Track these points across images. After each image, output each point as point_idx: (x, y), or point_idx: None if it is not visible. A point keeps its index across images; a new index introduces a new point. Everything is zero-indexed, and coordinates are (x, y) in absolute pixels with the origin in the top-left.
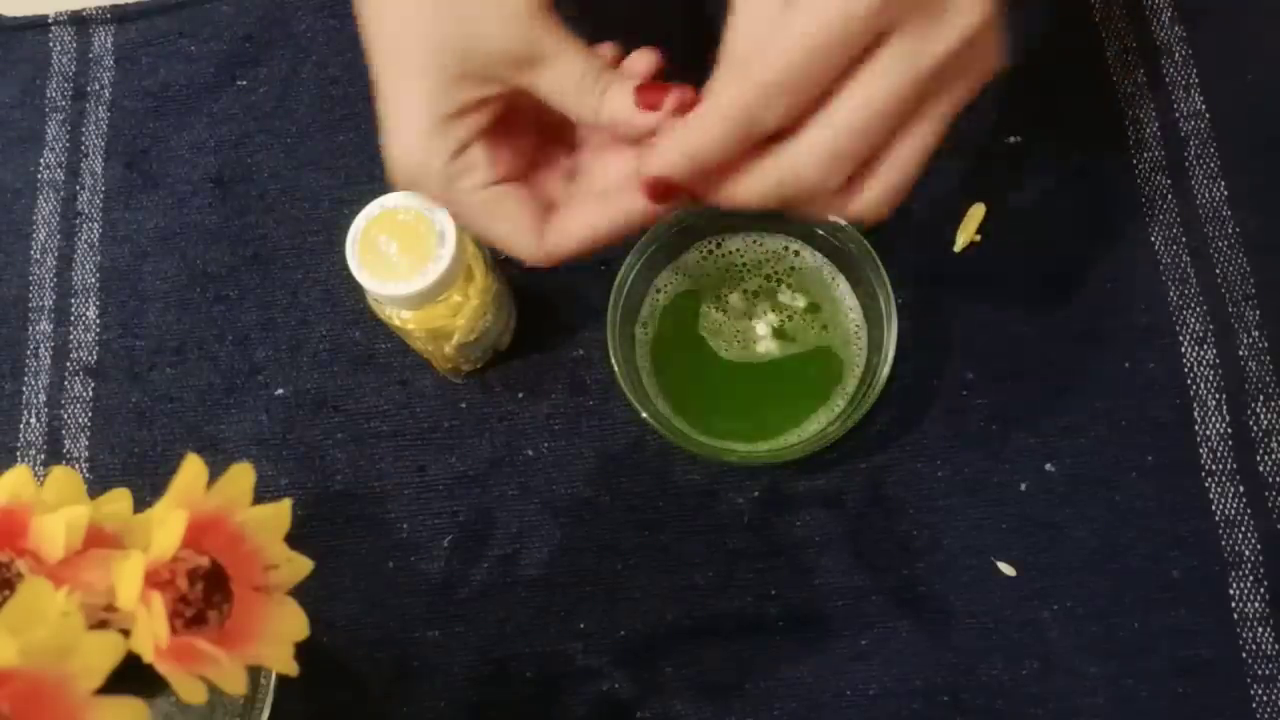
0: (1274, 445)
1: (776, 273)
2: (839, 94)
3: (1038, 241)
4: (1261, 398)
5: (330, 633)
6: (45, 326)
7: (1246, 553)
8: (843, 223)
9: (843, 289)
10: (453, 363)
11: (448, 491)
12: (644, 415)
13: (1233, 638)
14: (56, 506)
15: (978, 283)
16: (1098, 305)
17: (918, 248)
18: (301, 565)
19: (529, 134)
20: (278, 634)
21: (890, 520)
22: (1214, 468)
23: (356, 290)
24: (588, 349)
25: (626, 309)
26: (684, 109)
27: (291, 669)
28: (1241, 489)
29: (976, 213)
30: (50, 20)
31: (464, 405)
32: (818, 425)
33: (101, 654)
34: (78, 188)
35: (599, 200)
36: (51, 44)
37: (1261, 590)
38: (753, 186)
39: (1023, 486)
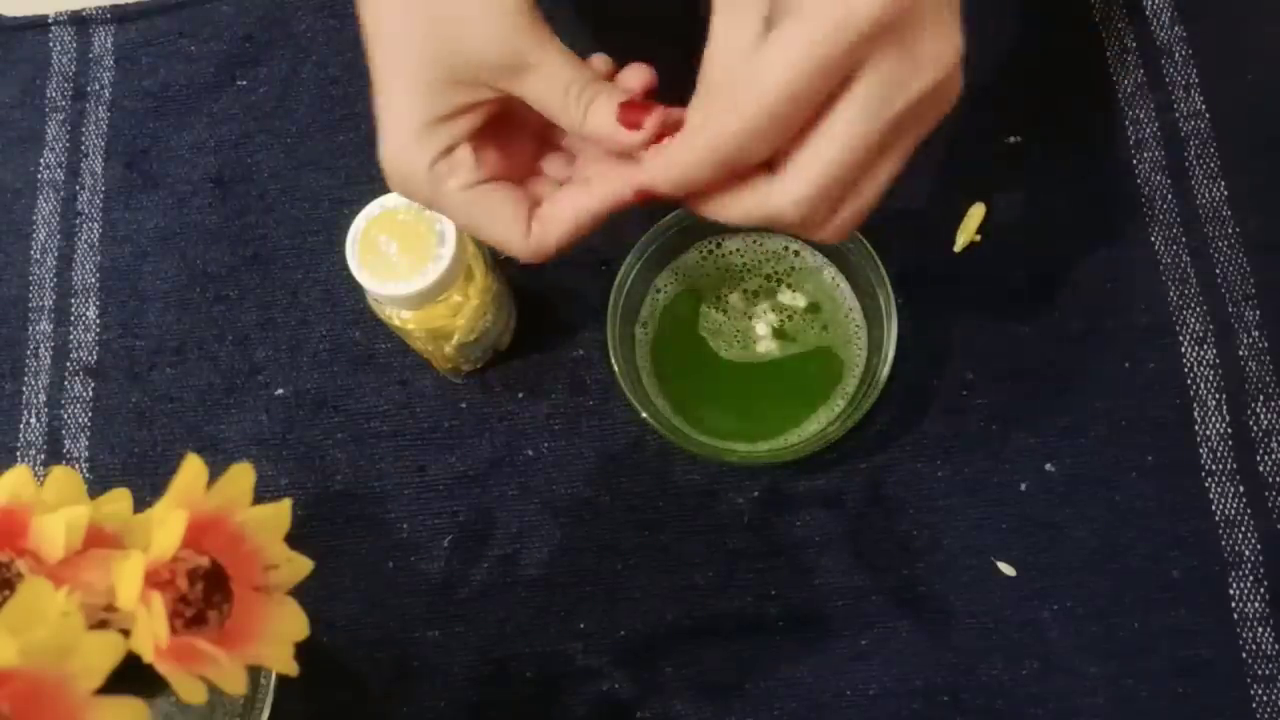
0: (1274, 445)
1: (776, 273)
2: (817, 135)
3: (1038, 241)
4: (1261, 398)
5: (330, 633)
6: (45, 326)
7: (1246, 553)
8: None
9: (843, 289)
10: (453, 363)
11: (448, 491)
12: (644, 415)
13: (1233, 638)
14: (56, 506)
15: (978, 283)
16: (1098, 305)
17: (918, 248)
18: (301, 565)
19: (525, 138)
20: (278, 634)
21: (890, 520)
22: (1214, 468)
23: (356, 290)
24: (588, 349)
25: (626, 309)
26: (666, 131)
27: (291, 669)
28: (1241, 489)
29: (976, 213)
30: (50, 20)
31: (464, 405)
32: (818, 425)
33: (101, 654)
34: (78, 188)
35: (582, 185)
36: (51, 44)
37: (1261, 590)
38: (735, 212)
39: (1023, 486)
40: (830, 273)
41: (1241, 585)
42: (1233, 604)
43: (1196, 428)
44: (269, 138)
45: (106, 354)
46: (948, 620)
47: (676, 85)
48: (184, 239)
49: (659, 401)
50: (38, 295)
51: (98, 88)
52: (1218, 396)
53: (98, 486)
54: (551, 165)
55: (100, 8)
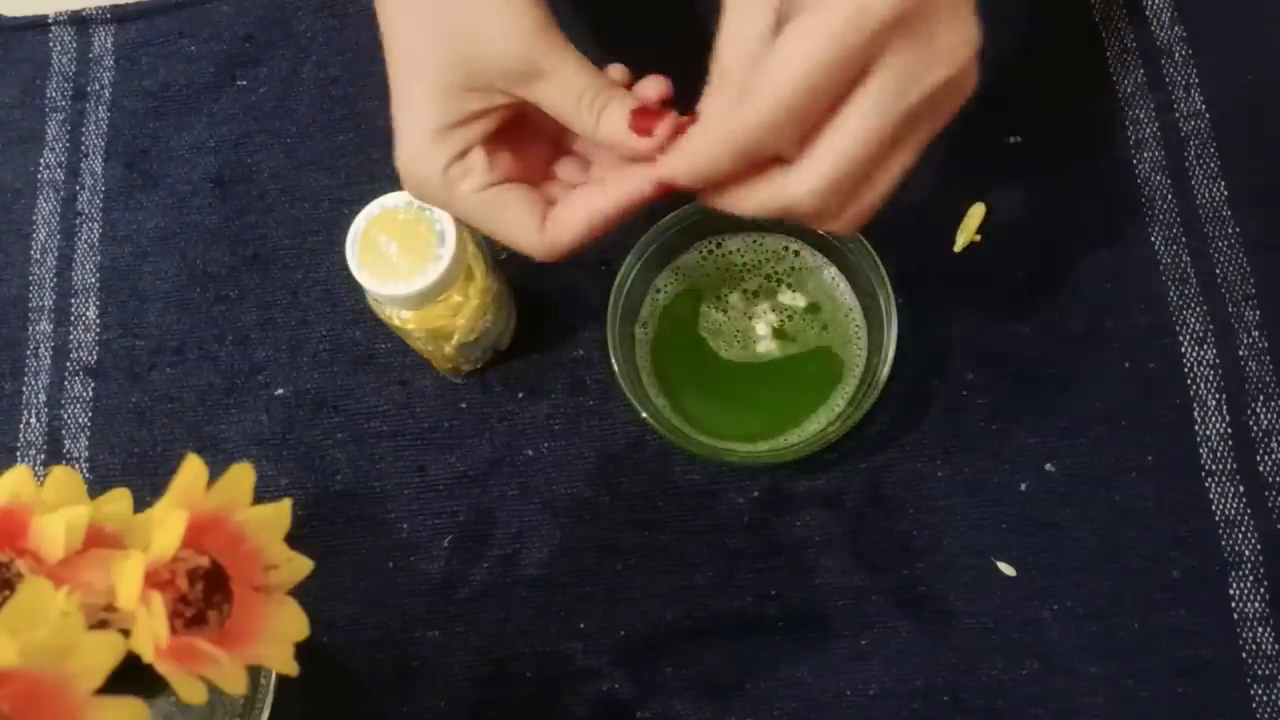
0: (1274, 445)
1: (776, 273)
2: (832, 128)
3: (1038, 241)
4: (1261, 398)
5: (330, 633)
6: (45, 326)
7: (1246, 553)
8: None
9: (843, 289)
10: (453, 363)
11: (448, 491)
12: (644, 415)
13: (1233, 638)
14: (56, 506)
15: (978, 283)
16: (1098, 305)
17: (918, 248)
18: (301, 565)
19: (540, 142)
20: (278, 634)
21: (890, 520)
22: (1214, 468)
23: (356, 290)
24: (588, 349)
25: (626, 309)
26: (677, 136)
27: (291, 669)
28: (1241, 489)
29: (976, 213)
30: (50, 20)
31: (464, 405)
32: (818, 425)
33: (101, 654)
34: (78, 188)
35: (596, 185)
36: (51, 44)
37: (1261, 590)
38: (751, 204)
39: (1023, 486)
40: (830, 273)
41: (1241, 585)
42: (1233, 604)
43: (1196, 428)
44: (269, 138)
45: (106, 354)
46: (948, 620)
47: (688, 100)
48: (184, 239)
49: (659, 401)
50: (38, 295)
51: (98, 88)
52: (1218, 396)
53: (98, 486)
54: (565, 170)
55: (100, 8)
